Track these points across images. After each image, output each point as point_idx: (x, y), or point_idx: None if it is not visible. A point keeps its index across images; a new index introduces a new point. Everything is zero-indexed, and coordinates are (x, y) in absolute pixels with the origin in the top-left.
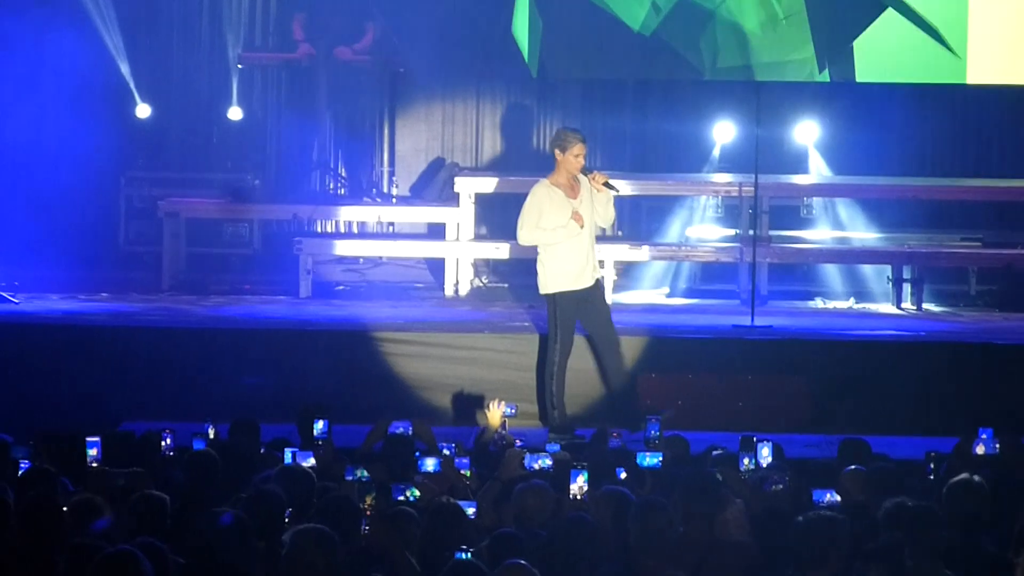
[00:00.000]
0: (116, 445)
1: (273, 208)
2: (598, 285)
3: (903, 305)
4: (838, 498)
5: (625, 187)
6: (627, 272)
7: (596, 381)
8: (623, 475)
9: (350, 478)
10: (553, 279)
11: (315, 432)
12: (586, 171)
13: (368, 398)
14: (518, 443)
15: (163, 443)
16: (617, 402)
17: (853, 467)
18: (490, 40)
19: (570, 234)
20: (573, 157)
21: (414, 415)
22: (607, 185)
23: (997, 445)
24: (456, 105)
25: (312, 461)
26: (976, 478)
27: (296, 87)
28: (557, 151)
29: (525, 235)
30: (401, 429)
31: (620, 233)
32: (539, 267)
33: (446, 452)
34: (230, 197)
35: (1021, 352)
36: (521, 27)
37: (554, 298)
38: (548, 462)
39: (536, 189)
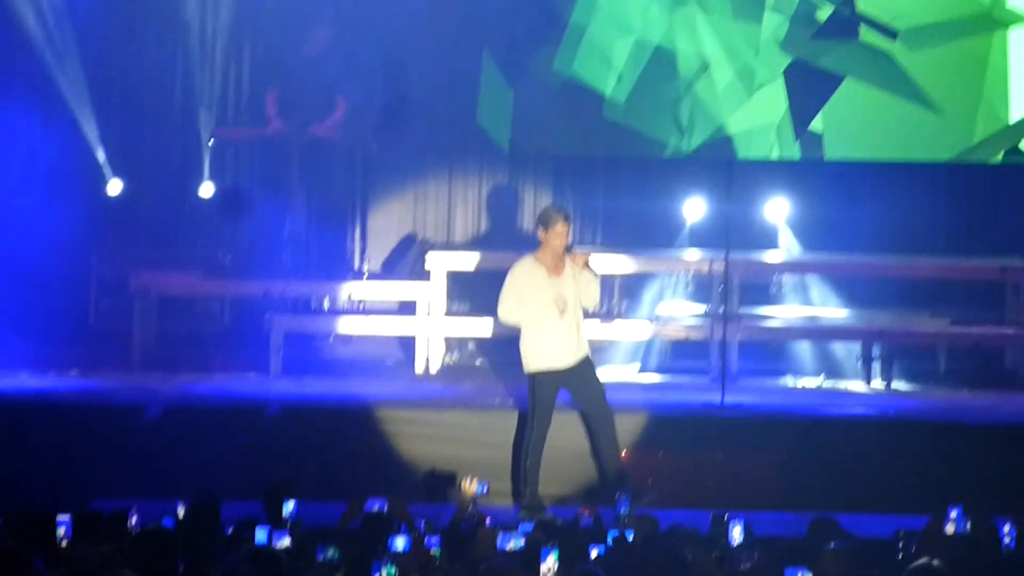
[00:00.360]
0: (86, 523)
1: (244, 284)
2: (587, 362)
3: (872, 383)
4: None
5: (596, 263)
6: (598, 349)
7: (574, 459)
8: (593, 553)
9: (321, 558)
10: (533, 357)
11: (285, 512)
12: (567, 249)
13: (339, 476)
14: (488, 520)
15: (129, 521)
16: (608, 481)
17: (833, 545)
18: (462, 115)
19: (546, 316)
20: (555, 235)
21: (387, 493)
22: (587, 266)
23: (968, 524)
24: (428, 181)
25: (287, 541)
26: (936, 563)
27: (268, 163)
28: (540, 229)
29: (503, 312)
30: (377, 507)
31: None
32: (520, 344)
33: (420, 530)
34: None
35: (990, 431)
36: (489, 104)
37: (533, 377)
38: (521, 542)
39: (518, 266)
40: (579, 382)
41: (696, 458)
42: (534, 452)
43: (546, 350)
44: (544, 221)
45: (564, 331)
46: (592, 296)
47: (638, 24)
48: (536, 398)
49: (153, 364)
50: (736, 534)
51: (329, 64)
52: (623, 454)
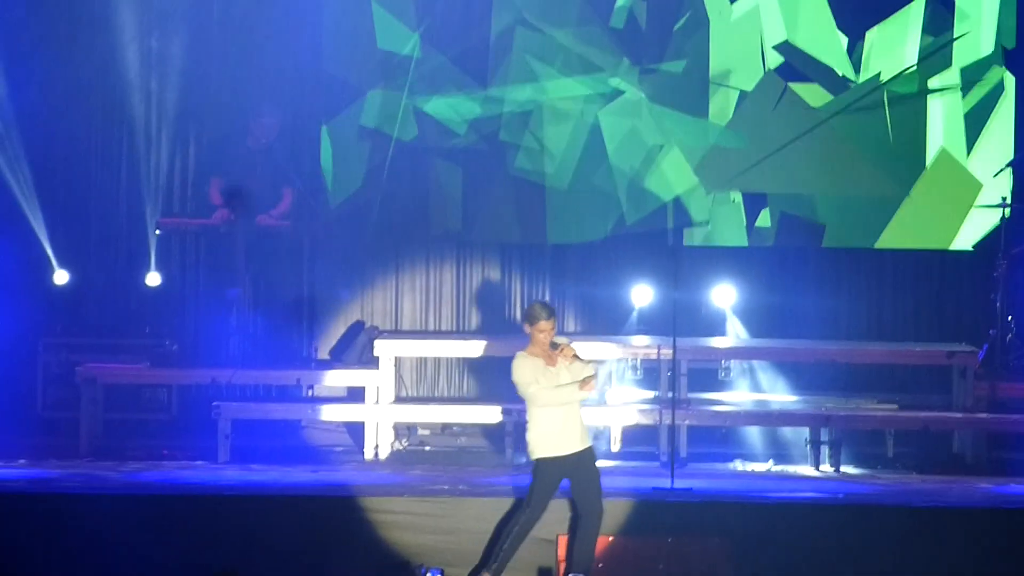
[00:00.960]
0: None
1: (191, 373)
2: (589, 452)
3: (821, 467)
4: None
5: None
6: None
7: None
8: None
9: None
10: (537, 444)
11: None
12: (553, 346)
13: (287, 563)
14: None
15: None
16: (572, 567)
17: None
18: (409, 202)
19: (573, 395)
20: (539, 333)
21: None
22: (576, 358)
23: None
24: (376, 267)
25: None
26: None
27: (214, 251)
28: (527, 325)
29: (542, 399)
30: None
31: None
32: (527, 434)
33: None
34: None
35: (938, 514)
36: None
37: (537, 463)
38: None
39: (518, 360)
40: (578, 470)
41: (646, 542)
42: (517, 536)
43: (551, 438)
44: (529, 318)
45: (565, 419)
46: (586, 389)
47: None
48: (536, 484)
49: (101, 452)
50: None
51: (274, 153)
52: (608, 540)
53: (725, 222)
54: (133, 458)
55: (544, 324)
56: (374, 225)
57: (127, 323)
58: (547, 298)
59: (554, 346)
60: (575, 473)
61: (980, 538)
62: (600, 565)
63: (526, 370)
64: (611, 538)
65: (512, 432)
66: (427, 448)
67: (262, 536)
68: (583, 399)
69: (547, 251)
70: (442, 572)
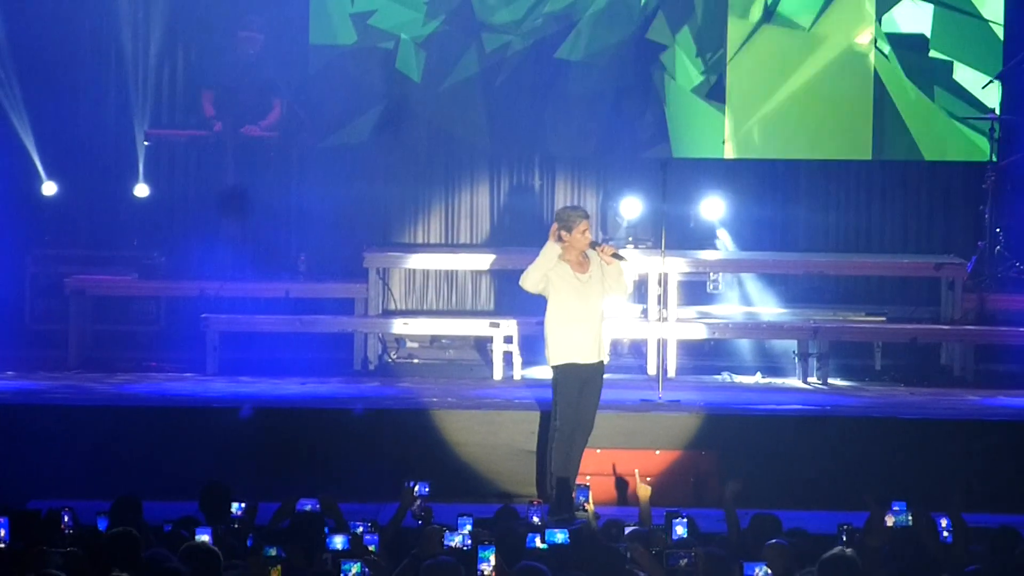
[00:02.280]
0: (23, 524)
1: (180, 285)
2: (600, 367)
3: (809, 380)
4: (769, 571)
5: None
6: (534, 347)
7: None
8: (536, 542)
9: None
10: (556, 351)
11: (231, 511)
12: (593, 245)
13: (275, 475)
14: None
15: (63, 521)
16: (551, 482)
17: (775, 541)
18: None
19: (571, 311)
20: (580, 235)
21: (324, 492)
22: (616, 256)
23: (910, 517)
24: (364, 180)
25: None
26: (848, 551)
27: (203, 163)
28: (563, 232)
29: (524, 283)
30: (309, 506)
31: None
32: (545, 336)
33: (360, 529)
34: None
35: (925, 426)
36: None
37: (555, 370)
38: (466, 539)
39: (548, 248)
40: (588, 383)
41: (634, 455)
42: (557, 451)
43: (571, 343)
44: (565, 223)
45: (590, 327)
46: (622, 287)
47: None
48: (560, 392)
49: (89, 364)
50: (679, 531)
51: (263, 65)
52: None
53: (714, 133)
54: (121, 370)
55: (584, 225)
56: (365, 136)
57: (115, 235)
58: (533, 210)
59: (594, 246)
60: (585, 386)
61: (968, 450)
62: (588, 477)
63: (550, 262)
64: (598, 451)
65: (508, 344)
66: (416, 361)
67: (250, 448)
68: (551, 257)
69: (536, 164)
70: (429, 485)
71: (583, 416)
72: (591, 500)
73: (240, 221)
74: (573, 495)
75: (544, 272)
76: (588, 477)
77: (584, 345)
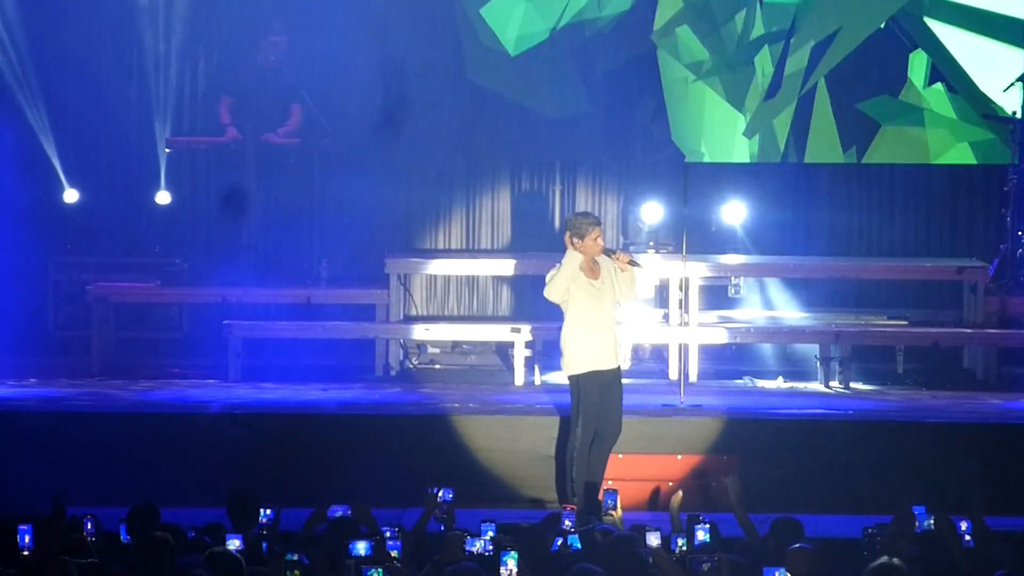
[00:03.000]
0: (47, 531)
1: (202, 291)
2: (619, 372)
3: (831, 384)
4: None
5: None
6: (555, 351)
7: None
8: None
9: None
10: (576, 360)
11: (259, 518)
12: (608, 252)
13: (300, 482)
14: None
15: (85, 529)
16: (577, 487)
17: (798, 545)
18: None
19: (588, 319)
20: (592, 241)
21: (349, 498)
22: (631, 263)
23: (931, 522)
24: (386, 186)
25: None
26: (896, 561)
27: (224, 170)
28: (575, 239)
29: (547, 294)
30: (340, 512)
31: None
32: (563, 347)
33: (386, 534)
34: None
35: (947, 430)
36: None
37: (577, 380)
38: (489, 546)
39: (571, 256)
40: (610, 388)
41: (656, 459)
42: (579, 460)
43: (590, 351)
44: (577, 230)
45: (606, 333)
46: (633, 294)
47: None
48: (584, 400)
49: (112, 371)
50: (701, 536)
51: (283, 71)
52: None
53: (735, 138)
54: (144, 377)
55: (596, 232)
56: (386, 143)
57: (137, 242)
58: (557, 217)
59: (609, 253)
60: (606, 390)
61: (990, 454)
62: (610, 482)
63: (569, 273)
64: (620, 455)
65: (529, 350)
66: (437, 366)
67: (274, 455)
68: (572, 268)
69: (557, 169)
70: (453, 491)
71: (609, 420)
72: (619, 505)
73: (239, 222)
74: (600, 499)
75: (569, 282)
76: (610, 482)
77: (603, 351)
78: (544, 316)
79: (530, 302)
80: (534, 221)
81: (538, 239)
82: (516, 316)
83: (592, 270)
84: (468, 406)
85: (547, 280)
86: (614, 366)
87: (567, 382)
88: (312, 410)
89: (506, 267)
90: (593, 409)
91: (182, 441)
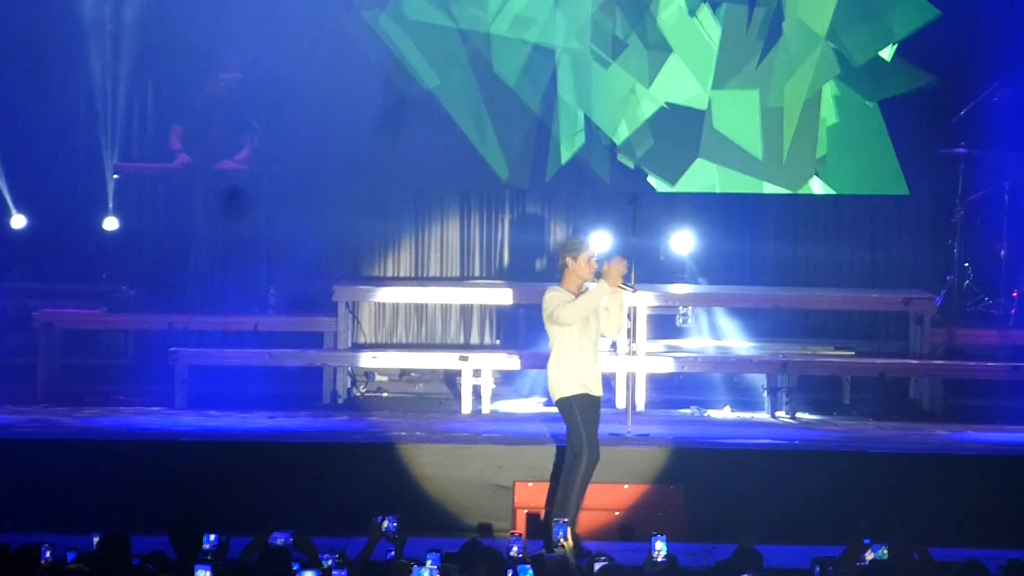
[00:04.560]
0: None
1: (149, 318)
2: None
3: (778, 414)
4: None
5: (502, 296)
6: (504, 380)
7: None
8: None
9: None
10: (567, 384)
11: (206, 546)
12: (599, 275)
13: (243, 509)
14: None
15: (43, 556)
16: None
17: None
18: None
19: (579, 344)
20: (585, 263)
21: (295, 526)
22: (622, 286)
23: (883, 552)
24: (335, 213)
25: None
26: None
27: (173, 197)
28: (569, 259)
29: (568, 316)
30: (281, 540)
31: (498, 341)
32: (553, 372)
33: (329, 563)
34: None
35: (894, 461)
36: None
37: (570, 401)
38: (436, 574)
39: (551, 291)
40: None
41: (603, 488)
42: (581, 483)
43: (582, 376)
44: (572, 251)
45: (594, 359)
46: (620, 323)
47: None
48: (581, 421)
49: (57, 398)
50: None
51: (235, 101)
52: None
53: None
54: (89, 404)
55: (588, 253)
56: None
57: (85, 268)
58: (506, 246)
59: (599, 276)
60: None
61: (936, 484)
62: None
63: (555, 302)
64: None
65: (477, 378)
66: (385, 394)
67: (219, 482)
68: (600, 299)
69: (506, 198)
70: (398, 519)
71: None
72: (569, 536)
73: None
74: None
75: (590, 311)
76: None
77: (592, 377)
78: (492, 345)
79: (478, 330)
80: (484, 249)
81: (487, 268)
82: (465, 344)
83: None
84: (415, 434)
85: (557, 304)
86: (600, 394)
87: (516, 410)
88: (257, 438)
89: (454, 295)
90: (593, 428)
91: (127, 468)
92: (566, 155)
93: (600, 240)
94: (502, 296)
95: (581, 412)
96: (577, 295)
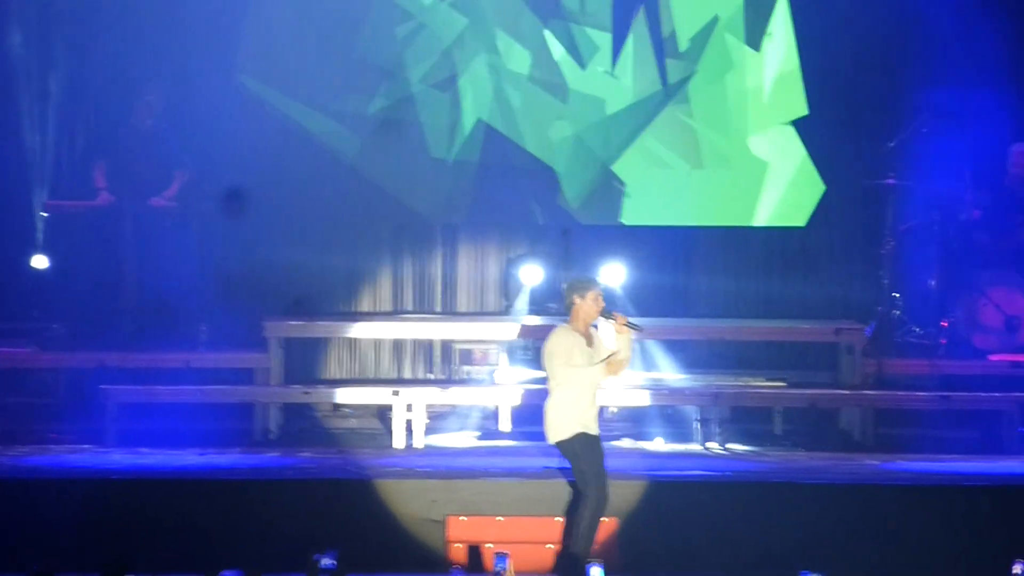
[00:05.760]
0: None
1: (79, 356)
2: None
3: (710, 445)
4: None
5: (434, 331)
6: (438, 415)
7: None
8: None
9: None
10: (563, 426)
11: None
12: (607, 313)
13: (176, 549)
14: None
15: None
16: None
17: None
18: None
19: (586, 384)
20: (592, 301)
21: (229, 565)
22: (629, 325)
23: None
24: (265, 247)
25: None
26: None
27: (102, 234)
28: (576, 297)
29: (572, 376)
30: None
31: (431, 376)
32: (551, 414)
33: None
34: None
35: (825, 491)
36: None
37: (571, 442)
38: None
39: (558, 333)
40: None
41: (536, 521)
42: (590, 521)
43: (581, 418)
44: (579, 290)
45: (592, 401)
46: (626, 358)
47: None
48: (587, 459)
49: None
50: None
51: (162, 135)
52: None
53: (613, 201)
54: (19, 442)
55: (596, 291)
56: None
57: (14, 306)
58: (439, 279)
59: (607, 314)
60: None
61: (867, 515)
62: (488, 545)
63: (563, 346)
64: (500, 518)
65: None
66: (317, 430)
67: (151, 521)
68: (615, 373)
69: (438, 232)
70: (337, 555)
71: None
72: (510, 568)
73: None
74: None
75: (567, 355)
76: (490, 545)
77: (592, 417)
78: (425, 379)
79: (411, 364)
80: (416, 284)
81: (420, 302)
82: (397, 379)
83: (588, 336)
84: (347, 470)
85: (552, 360)
86: (597, 432)
87: (449, 444)
88: (189, 475)
89: (386, 330)
90: (600, 465)
91: (56, 507)
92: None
93: (532, 273)
94: (435, 331)
95: (583, 451)
96: (585, 333)
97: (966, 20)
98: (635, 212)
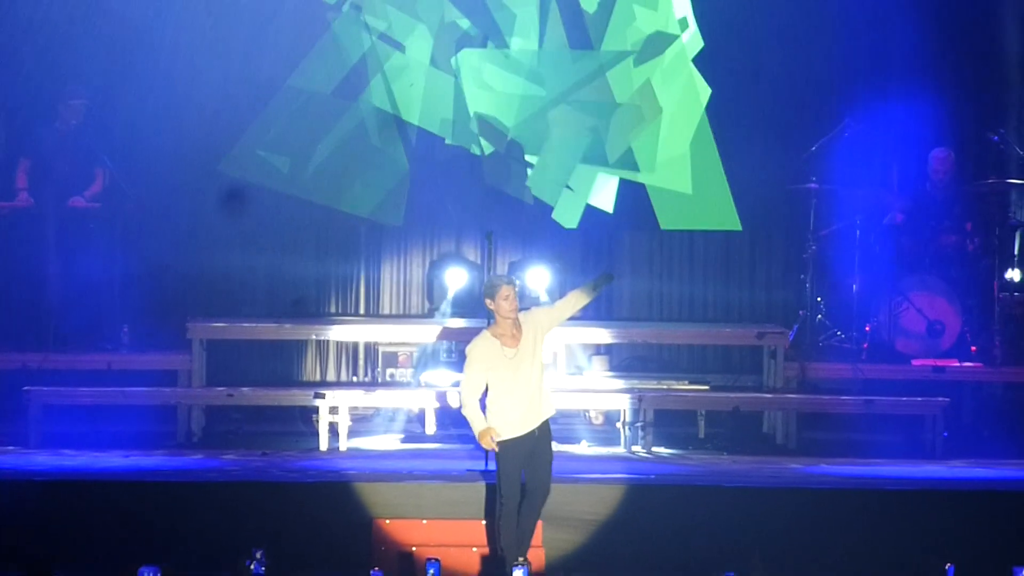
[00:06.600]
0: None
1: (1, 357)
2: (546, 426)
3: (634, 448)
4: None
5: (359, 333)
6: (362, 417)
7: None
8: None
9: None
10: (497, 427)
11: None
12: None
13: (100, 550)
14: None
15: None
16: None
17: None
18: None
19: (507, 390)
20: (503, 300)
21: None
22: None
23: None
24: (188, 248)
25: None
26: None
27: (24, 235)
28: (488, 301)
29: (464, 399)
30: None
31: (355, 378)
32: (487, 412)
33: None
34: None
35: (748, 494)
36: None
37: (499, 447)
38: None
39: (472, 348)
40: (535, 447)
41: (459, 524)
42: (504, 527)
43: (510, 419)
44: (489, 291)
45: (521, 401)
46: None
47: None
48: (502, 470)
49: None
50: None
51: (84, 135)
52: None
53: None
54: None
55: (505, 291)
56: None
57: None
58: (362, 281)
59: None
60: (531, 457)
61: (789, 518)
62: (413, 548)
63: (477, 356)
64: (424, 521)
65: (333, 415)
66: (240, 432)
67: (75, 522)
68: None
69: (362, 233)
70: (264, 559)
71: (534, 484)
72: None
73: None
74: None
75: (476, 374)
76: (414, 548)
77: (520, 420)
78: (349, 382)
79: (334, 367)
80: (338, 286)
81: (343, 304)
82: (321, 381)
83: (513, 337)
84: (271, 472)
85: (465, 379)
86: (534, 428)
87: (373, 447)
88: (113, 477)
89: (308, 332)
90: (510, 478)
91: None
92: None
93: (456, 276)
94: (358, 333)
95: (501, 462)
96: (509, 333)
97: (888, 26)
98: (565, 212)
